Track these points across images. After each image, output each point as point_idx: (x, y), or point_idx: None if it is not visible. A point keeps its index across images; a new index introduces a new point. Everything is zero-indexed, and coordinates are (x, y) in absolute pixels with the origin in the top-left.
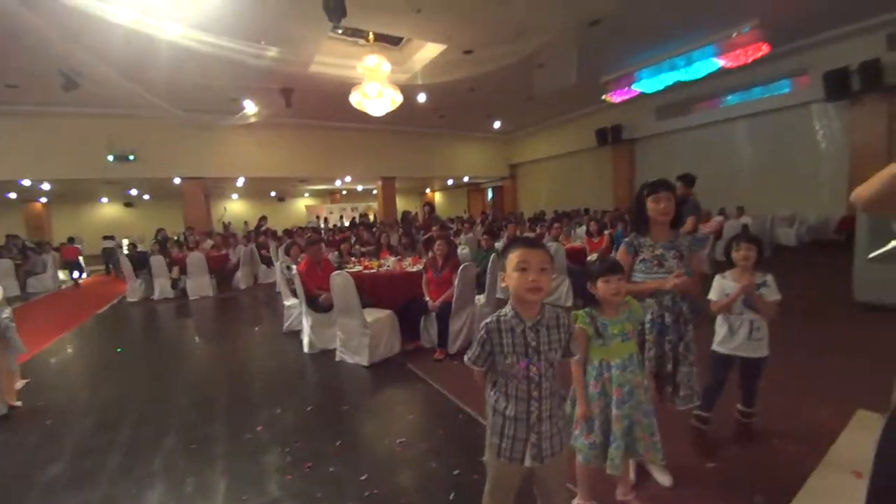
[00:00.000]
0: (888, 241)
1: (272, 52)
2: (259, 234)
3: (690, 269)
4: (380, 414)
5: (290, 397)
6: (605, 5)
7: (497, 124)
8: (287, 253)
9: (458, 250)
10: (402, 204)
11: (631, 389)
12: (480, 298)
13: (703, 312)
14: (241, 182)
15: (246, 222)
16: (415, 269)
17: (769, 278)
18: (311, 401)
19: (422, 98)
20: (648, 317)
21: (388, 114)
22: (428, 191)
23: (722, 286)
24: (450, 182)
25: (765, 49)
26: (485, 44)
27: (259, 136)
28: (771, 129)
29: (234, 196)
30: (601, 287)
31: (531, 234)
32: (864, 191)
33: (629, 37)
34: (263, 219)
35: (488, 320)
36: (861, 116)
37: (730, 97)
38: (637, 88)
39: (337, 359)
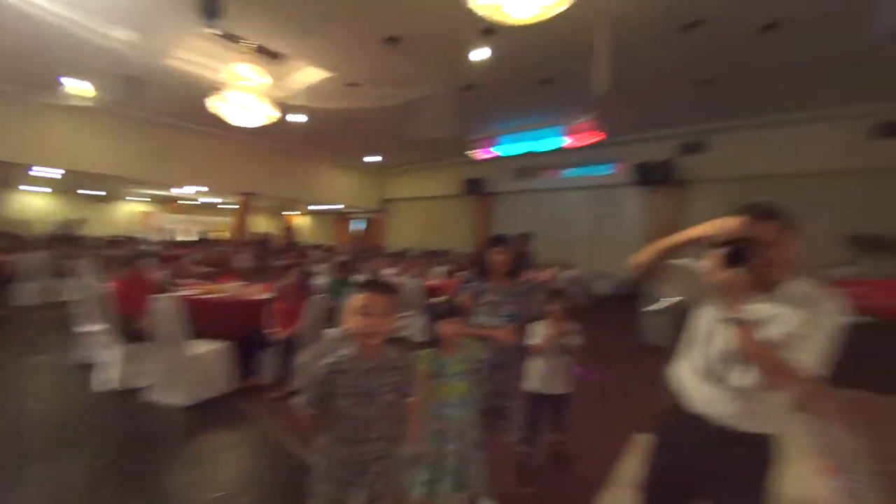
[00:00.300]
0: (658, 300)
1: (121, 33)
2: (61, 239)
3: (523, 314)
4: (199, 463)
5: (78, 447)
6: (479, 76)
7: (374, 158)
8: (99, 266)
9: (317, 280)
10: (260, 224)
11: (464, 426)
12: (331, 333)
13: (529, 354)
14: (55, 173)
15: (63, 222)
16: (262, 296)
17: (575, 327)
18: (108, 450)
19: (299, 119)
20: (483, 356)
21: (259, 126)
22: (291, 213)
23: (538, 332)
24: (319, 207)
25: (600, 136)
26: (372, 82)
27: (93, 123)
28: (596, 201)
29: (42, 189)
30: (444, 328)
31: (392, 270)
32: (636, 259)
33: (495, 106)
34: (77, 221)
35: (327, 360)
36: (658, 201)
37: (569, 170)
38: (497, 151)
39: (148, 398)
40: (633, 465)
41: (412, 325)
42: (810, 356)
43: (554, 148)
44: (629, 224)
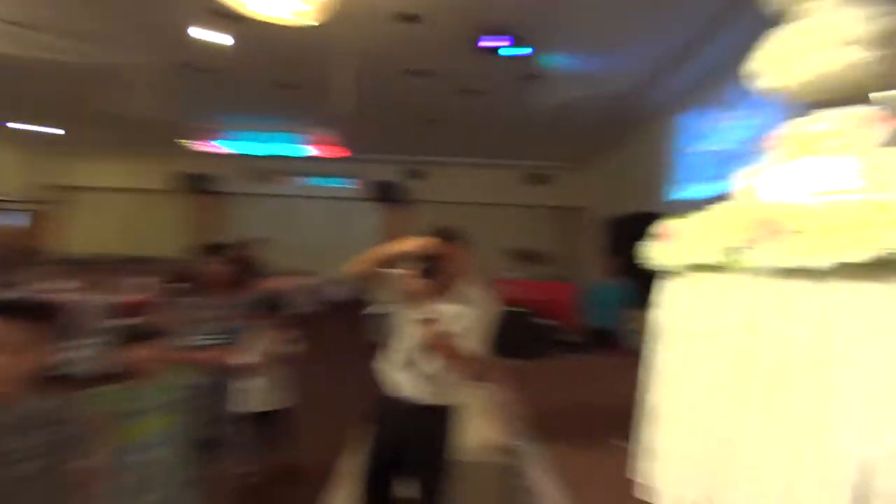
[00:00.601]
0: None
1: None
2: None
3: (245, 329)
4: None
5: None
6: (211, 60)
7: (48, 129)
8: None
9: None
10: None
11: (170, 466)
12: None
13: (247, 371)
14: None
15: None
16: None
17: (297, 334)
18: None
19: None
20: (191, 382)
21: None
22: None
23: (257, 346)
24: None
25: (344, 152)
26: (51, 29)
27: None
28: (336, 211)
29: None
30: (138, 354)
31: (67, 284)
32: (348, 268)
33: (229, 97)
34: None
35: None
36: (389, 216)
37: (313, 179)
38: (225, 147)
39: None
40: (355, 455)
41: (87, 355)
42: (477, 341)
43: (295, 155)
44: (365, 235)
